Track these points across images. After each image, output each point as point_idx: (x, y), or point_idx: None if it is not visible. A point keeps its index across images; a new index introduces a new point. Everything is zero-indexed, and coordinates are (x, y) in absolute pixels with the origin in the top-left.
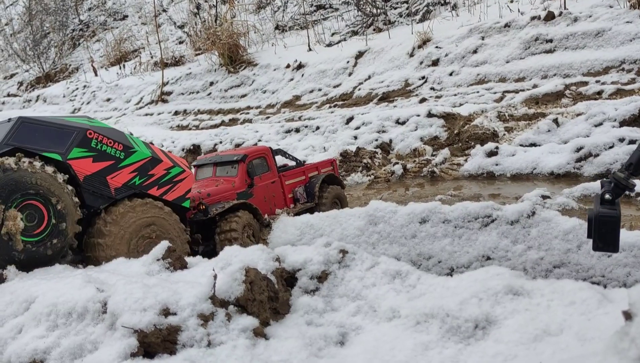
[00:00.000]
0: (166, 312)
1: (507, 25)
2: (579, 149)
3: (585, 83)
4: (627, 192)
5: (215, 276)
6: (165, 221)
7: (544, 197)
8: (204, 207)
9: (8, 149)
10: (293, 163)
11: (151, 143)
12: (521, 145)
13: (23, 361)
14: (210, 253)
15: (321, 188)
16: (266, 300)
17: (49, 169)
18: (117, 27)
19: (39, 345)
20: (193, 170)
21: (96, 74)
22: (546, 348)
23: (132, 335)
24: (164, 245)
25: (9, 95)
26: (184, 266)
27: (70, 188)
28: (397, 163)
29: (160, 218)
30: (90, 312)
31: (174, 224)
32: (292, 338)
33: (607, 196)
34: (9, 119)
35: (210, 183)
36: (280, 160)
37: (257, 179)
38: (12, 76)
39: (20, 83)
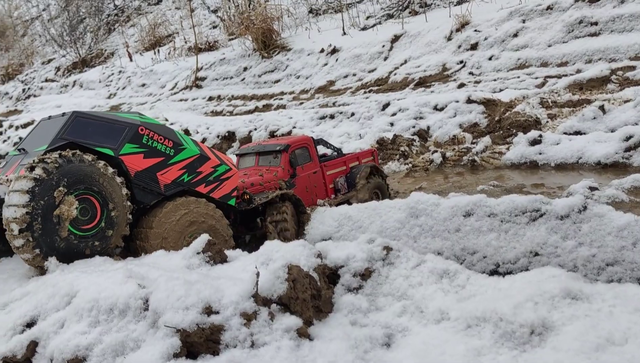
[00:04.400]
0: (209, 311)
1: (549, 8)
2: (628, 138)
3: (633, 68)
4: None
5: (257, 274)
6: (212, 218)
7: (592, 189)
8: (248, 197)
9: (63, 143)
10: (332, 153)
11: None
12: (565, 133)
13: (66, 357)
14: (257, 241)
15: (362, 181)
16: (309, 298)
17: (118, 179)
18: (151, 12)
19: (82, 341)
20: (235, 159)
21: (131, 59)
22: (610, 359)
23: (175, 335)
24: (204, 238)
25: (47, 80)
26: (224, 260)
27: (125, 191)
28: (436, 151)
29: (208, 216)
30: (132, 309)
31: (220, 220)
32: (336, 339)
33: None
34: (63, 114)
35: (253, 173)
36: (319, 150)
37: (299, 169)
38: (49, 61)
39: (58, 68)
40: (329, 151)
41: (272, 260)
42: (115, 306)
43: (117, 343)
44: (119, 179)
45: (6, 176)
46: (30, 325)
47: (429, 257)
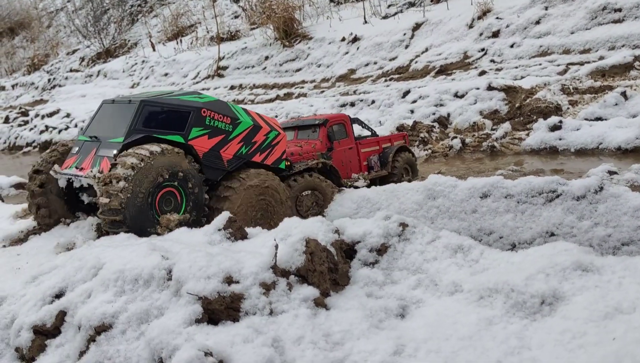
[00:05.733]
0: (229, 280)
1: None
2: None
3: None
4: None
5: (276, 246)
6: (275, 185)
7: (611, 173)
8: (289, 163)
9: (140, 136)
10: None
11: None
12: (586, 119)
13: (93, 324)
14: None
15: (394, 157)
16: (326, 271)
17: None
18: (173, 3)
19: (108, 309)
20: None
21: (154, 49)
22: (618, 327)
23: (197, 302)
24: (225, 215)
25: (71, 70)
26: (244, 236)
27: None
28: (456, 137)
29: (271, 183)
30: (155, 279)
31: (279, 186)
32: (352, 309)
33: None
34: (130, 101)
35: (292, 145)
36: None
37: (336, 144)
38: (74, 51)
39: (82, 58)
40: (363, 133)
41: (291, 235)
42: (140, 276)
43: (142, 311)
44: (196, 166)
45: (89, 170)
46: (58, 296)
47: (444, 233)
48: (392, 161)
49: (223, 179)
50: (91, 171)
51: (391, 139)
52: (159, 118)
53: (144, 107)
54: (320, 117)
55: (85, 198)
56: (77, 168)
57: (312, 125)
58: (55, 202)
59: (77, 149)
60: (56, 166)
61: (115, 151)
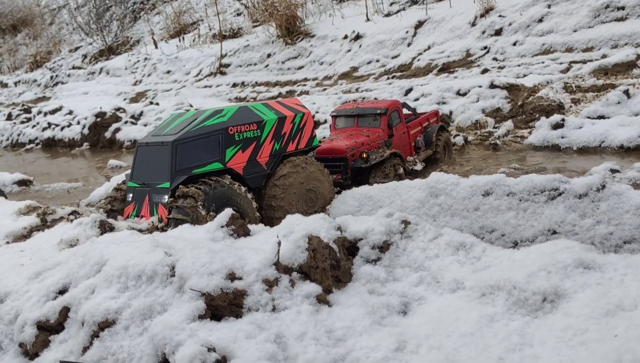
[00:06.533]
0: (232, 277)
1: None
2: None
3: None
4: None
5: (279, 243)
6: (315, 170)
7: (613, 171)
8: (366, 155)
9: (183, 180)
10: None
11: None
12: (589, 117)
13: (96, 320)
14: None
15: (436, 136)
16: (329, 267)
17: (242, 189)
18: (176, 0)
19: (111, 305)
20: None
21: (156, 47)
22: (619, 324)
23: (200, 298)
24: (227, 212)
25: (73, 67)
26: (247, 233)
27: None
28: (458, 135)
29: (311, 169)
30: (159, 275)
31: (319, 170)
32: (354, 306)
33: None
34: (162, 143)
35: (356, 133)
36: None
37: (394, 130)
38: (76, 49)
39: (85, 56)
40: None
41: (294, 232)
42: (143, 273)
43: (145, 307)
44: (243, 189)
45: (148, 219)
46: (62, 292)
47: (446, 231)
48: (435, 140)
49: (265, 185)
50: (152, 222)
51: (428, 118)
52: (193, 153)
53: (176, 147)
54: (379, 105)
55: None
56: (137, 216)
57: (373, 113)
58: None
59: (131, 196)
60: (119, 218)
61: (166, 197)
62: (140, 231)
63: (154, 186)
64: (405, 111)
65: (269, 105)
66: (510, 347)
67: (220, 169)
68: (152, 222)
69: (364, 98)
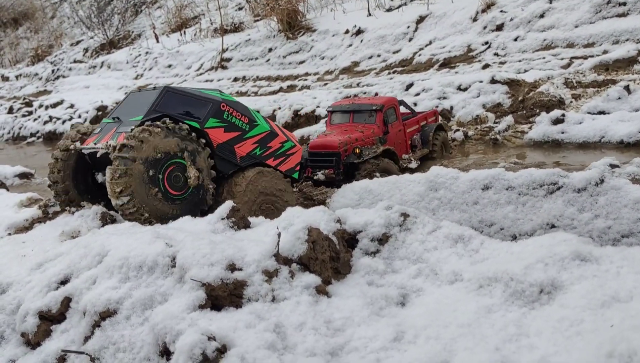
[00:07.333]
0: (232, 267)
1: None
2: None
3: None
4: None
5: (279, 235)
6: (282, 186)
7: (613, 166)
8: (359, 151)
9: (157, 115)
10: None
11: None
12: (589, 113)
13: (98, 310)
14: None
15: (434, 135)
16: (328, 259)
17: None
18: None
19: (112, 295)
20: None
21: (158, 41)
22: (615, 315)
23: (200, 288)
24: (228, 204)
25: (75, 61)
26: (247, 225)
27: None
28: (458, 130)
29: (278, 183)
30: (160, 266)
31: (287, 188)
32: (353, 297)
33: None
34: (154, 88)
35: (350, 129)
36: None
37: (390, 127)
38: (77, 42)
39: (86, 50)
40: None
41: (293, 224)
42: (144, 263)
43: (146, 297)
44: (206, 150)
45: (106, 141)
46: (64, 282)
47: (445, 223)
48: (432, 139)
49: (233, 175)
50: (107, 143)
51: (427, 117)
52: (179, 104)
53: (166, 92)
54: (375, 101)
55: (100, 178)
56: (95, 143)
57: (368, 110)
58: (68, 180)
59: (99, 129)
60: (77, 144)
61: (132, 127)
62: (95, 152)
63: (126, 120)
64: (403, 109)
65: (269, 121)
66: (507, 337)
67: (196, 129)
68: (108, 144)
69: (365, 93)
